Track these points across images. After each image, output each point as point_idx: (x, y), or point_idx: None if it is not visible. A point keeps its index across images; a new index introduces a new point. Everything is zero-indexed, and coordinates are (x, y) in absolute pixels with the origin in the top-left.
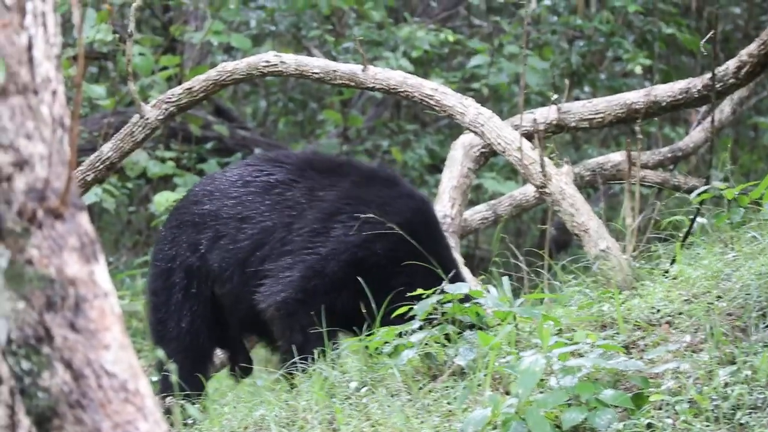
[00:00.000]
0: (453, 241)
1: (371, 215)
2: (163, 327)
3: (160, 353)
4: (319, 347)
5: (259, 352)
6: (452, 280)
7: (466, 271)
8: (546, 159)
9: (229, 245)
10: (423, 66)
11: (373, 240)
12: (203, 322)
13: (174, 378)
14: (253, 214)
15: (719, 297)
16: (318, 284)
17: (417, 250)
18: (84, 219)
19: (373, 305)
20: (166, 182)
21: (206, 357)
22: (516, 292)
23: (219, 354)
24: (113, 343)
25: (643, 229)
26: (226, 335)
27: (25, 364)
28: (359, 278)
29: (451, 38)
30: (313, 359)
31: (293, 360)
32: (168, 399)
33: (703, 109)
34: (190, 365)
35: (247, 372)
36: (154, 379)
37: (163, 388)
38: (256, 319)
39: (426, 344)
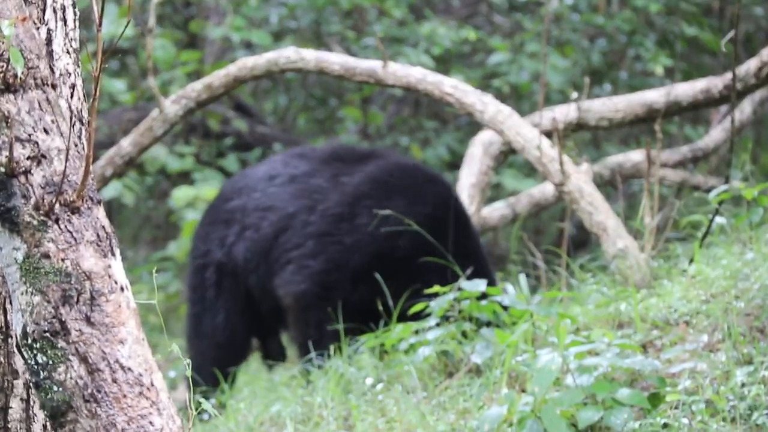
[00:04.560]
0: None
1: (397, 205)
2: (199, 322)
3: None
4: (333, 343)
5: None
6: (477, 274)
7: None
8: (565, 157)
9: (253, 235)
10: (444, 63)
11: (397, 233)
12: (237, 316)
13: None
14: (276, 203)
15: (737, 297)
16: (339, 277)
17: (442, 242)
18: (101, 213)
19: (390, 302)
20: (185, 177)
21: (242, 350)
22: (533, 290)
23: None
24: (129, 337)
25: (662, 229)
26: (261, 325)
27: (41, 358)
28: (378, 273)
29: (472, 36)
30: (328, 355)
31: (309, 356)
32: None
33: (724, 108)
34: (225, 359)
35: (279, 361)
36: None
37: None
38: (282, 310)
39: (442, 341)
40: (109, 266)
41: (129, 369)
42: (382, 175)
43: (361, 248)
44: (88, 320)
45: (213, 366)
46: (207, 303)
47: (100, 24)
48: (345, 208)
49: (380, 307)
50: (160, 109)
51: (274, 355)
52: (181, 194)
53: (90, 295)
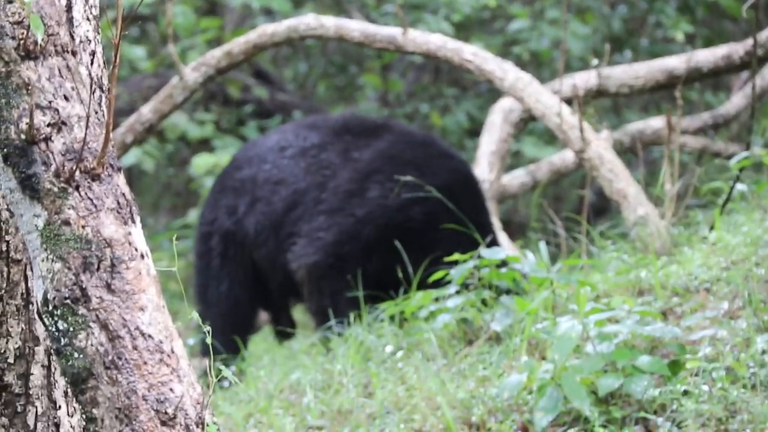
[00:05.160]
0: (492, 206)
1: (408, 177)
2: (204, 290)
3: (196, 315)
4: (349, 311)
5: (297, 316)
6: (489, 245)
7: (503, 236)
8: (585, 124)
9: (264, 209)
10: (464, 30)
11: (410, 204)
12: (242, 286)
13: (209, 340)
14: (288, 177)
15: (758, 264)
16: (351, 249)
17: (455, 213)
18: (121, 180)
19: (410, 269)
20: (205, 145)
21: (246, 320)
22: (554, 258)
23: (262, 316)
24: (149, 304)
25: (683, 196)
26: (268, 298)
27: (62, 325)
28: (395, 242)
29: (492, 2)
30: (347, 323)
31: (328, 324)
32: (206, 361)
33: (745, 75)
34: (230, 329)
35: (288, 334)
36: (191, 341)
37: (203, 350)
38: (293, 281)
39: (462, 309)
40: (130, 233)
41: (149, 336)
42: (393, 151)
43: (373, 220)
44: (108, 287)
45: (219, 334)
46: (212, 271)
47: None
48: (355, 184)
49: (400, 275)
50: (180, 76)
51: (283, 328)
52: (201, 162)
53: (110, 263)
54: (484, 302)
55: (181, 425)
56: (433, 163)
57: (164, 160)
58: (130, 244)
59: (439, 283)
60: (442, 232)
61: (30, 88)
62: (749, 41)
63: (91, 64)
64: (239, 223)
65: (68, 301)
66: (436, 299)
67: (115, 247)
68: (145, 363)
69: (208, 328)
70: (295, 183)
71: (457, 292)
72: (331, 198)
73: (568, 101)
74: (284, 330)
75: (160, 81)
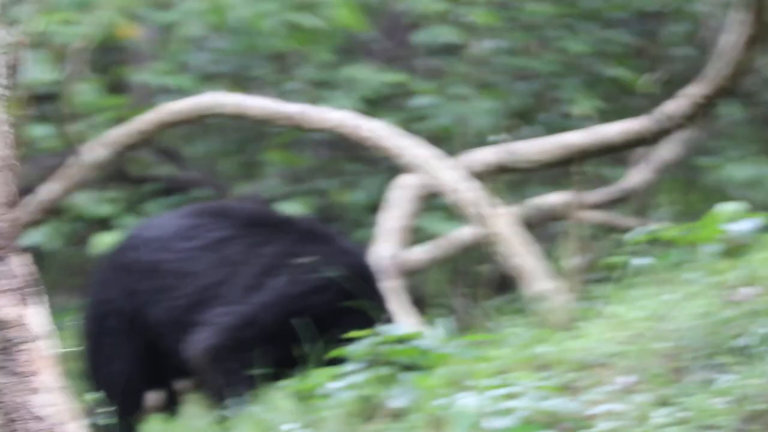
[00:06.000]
0: (393, 282)
1: (309, 270)
2: (96, 370)
3: (93, 397)
4: (247, 390)
5: (193, 395)
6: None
7: (403, 312)
8: (488, 199)
9: (168, 302)
10: (368, 106)
11: (309, 293)
12: (136, 366)
13: (104, 422)
14: (194, 271)
15: (655, 338)
16: (249, 334)
17: (355, 303)
18: (19, 261)
19: (308, 348)
20: (106, 223)
21: (139, 400)
22: (454, 333)
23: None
24: (42, 387)
25: (583, 270)
26: (158, 378)
27: None
28: (295, 328)
29: (396, 79)
30: (245, 401)
31: (225, 403)
32: None
33: (646, 149)
34: (123, 409)
35: (176, 414)
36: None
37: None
38: (190, 369)
39: (362, 386)
40: (26, 315)
41: (43, 419)
42: (295, 247)
43: (272, 308)
44: (2, 369)
45: (113, 415)
46: (105, 351)
47: (25, 69)
48: (256, 279)
49: (298, 353)
50: (81, 154)
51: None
52: (101, 240)
53: (4, 345)
54: (383, 379)
55: None
56: (333, 257)
57: (66, 240)
58: (25, 325)
59: (338, 361)
60: (341, 319)
61: None
62: (650, 116)
63: None
64: (139, 310)
65: None
66: (335, 376)
67: (10, 328)
68: None
69: (103, 409)
70: (200, 278)
71: (356, 369)
72: (233, 291)
73: (471, 176)
74: (173, 408)
75: (62, 160)
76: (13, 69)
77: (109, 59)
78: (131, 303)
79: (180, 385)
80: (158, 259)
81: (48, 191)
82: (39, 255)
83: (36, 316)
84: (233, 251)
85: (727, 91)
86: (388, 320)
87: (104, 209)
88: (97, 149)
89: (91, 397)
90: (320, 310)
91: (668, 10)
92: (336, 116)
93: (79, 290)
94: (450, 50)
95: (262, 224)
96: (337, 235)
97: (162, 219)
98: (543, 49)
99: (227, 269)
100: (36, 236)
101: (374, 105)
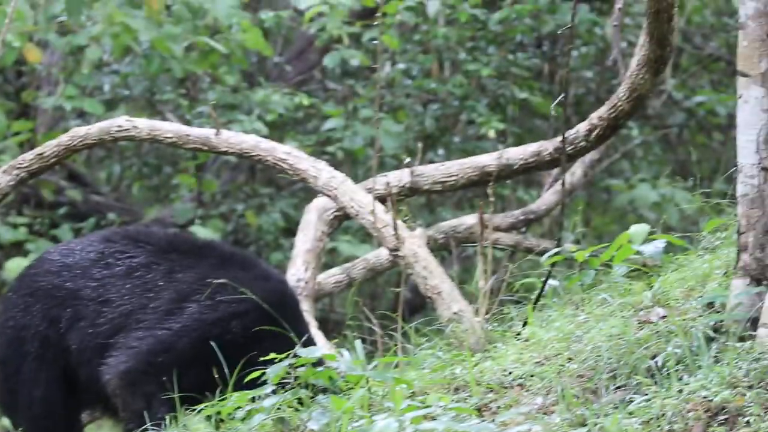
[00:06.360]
0: (307, 305)
1: (227, 295)
2: (14, 397)
3: (7, 422)
4: (165, 414)
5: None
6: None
7: (319, 335)
8: (399, 222)
9: (89, 329)
10: (278, 129)
11: (228, 318)
12: (56, 391)
13: None
14: (114, 298)
15: (570, 359)
16: (165, 359)
17: (274, 328)
18: None
19: (227, 375)
20: (18, 249)
21: (58, 425)
22: (369, 355)
23: None
24: None
25: (496, 292)
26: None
27: None
28: (212, 353)
29: (305, 102)
30: (160, 425)
31: (144, 426)
32: None
33: (555, 171)
34: None
35: None
36: None
37: None
38: (107, 397)
39: (279, 408)
40: None
41: None
42: (213, 272)
43: (189, 333)
44: None
45: None
46: (24, 376)
47: None
48: (175, 304)
49: (216, 376)
50: None
51: None
52: (14, 265)
53: None
54: (300, 401)
55: None
56: (251, 283)
57: None
58: None
59: (256, 383)
60: (260, 344)
61: None
62: (558, 138)
63: None
64: (61, 336)
65: None
66: (253, 399)
67: None
68: None
69: None
70: (120, 305)
71: (274, 392)
72: (151, 316)
73: (382, 199)
74: None
75: None
76: None
77: (14, 84)
78: (50, 329)
79: (89, 415)
80: (79, 286)
81: None
82: None
83: None
84: (152, 277)
85: (629, 114)
86: (307, 343)
87: (17, 234)
88: (7, 173)
89: (3, 423)
90: (238, 334)
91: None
92: (251, 139)
93: None
94: (359, 74)
95: (180, 249)
96: (255, 260)
97: (79, 244)
98: (451, 72)
99: (147, 295)
100: None
101: (280, 128)
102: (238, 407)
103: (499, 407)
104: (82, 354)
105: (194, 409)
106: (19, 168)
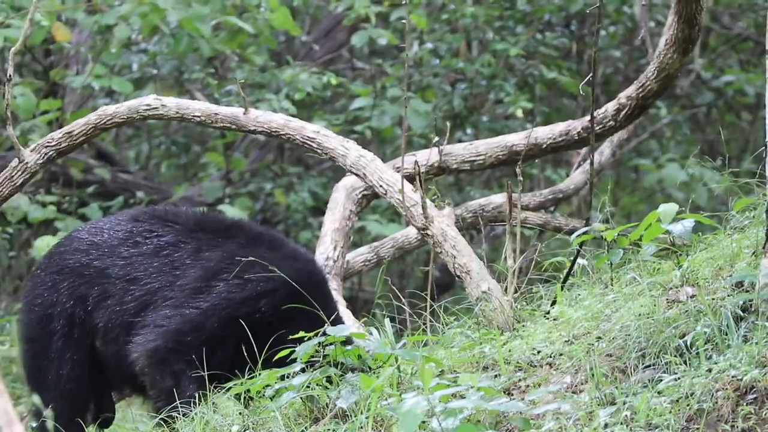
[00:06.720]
0: (336, 284)
1: (255, 274)
2: (42, 374)
3: (37, 400)
4: (193, 392)
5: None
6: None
7: (348, 314)
8: (428, 201)
9: (116, 306)
10: (306, 109)
11: (257, 297)
12: (83, 369)
13: (51, 424)
14: (141, 276)
15: (599, 338)
16: (194, 338)
17: (303, 308)
18: None
19: (257, 354)
20: (47, 227)
21: (86, 403)
22: (398, 334)
23: None
24: None
25: (525, 271)
26: (99, 384)
27: None
28: (241, 332)
29: (333, 81)
30: (189, 403)
31: (173, 404)
32: None
33: (584, 150)
34: (69, 412)
35: (108, 423)
36: (33, 425)
37: None
38: (135, 376)
39: (308, 387)
40: None
41: None
42: (241, 252)
43: (218, 312)
44: None
45: (59, 418)
46: (52, 354)
47: None
48: (202, 282)
49: (245, 355)
50: (19, 158)
51: (104, 419)
52: (43, 244)
53: None
54: (329, 380)
55: None
56: (280, 262)
57: (6, 243)
58: None
59: (285, 362)
60: (289, 323)
61: None
62: (587, 117)
63: None
64: (88, 314)
65: None
66: (282, 377)
67: None
68: None
69: (49, 412)
70: (148, 283)
71: (303, 370)
72: (178, 294)
73: (411, 178)
74: (106, 417)
75: (0, 163)
76: None
77: (42, 63)
78: (77, 306)
79: (119, 394)
80: (107, 264)
81: None
82: None
83: None
84: (179, 255)
85: (657, 93)
86: (336, 322)
87: (46, 212)
88: (36, 152)
89: (33, 401)
90: (267, 313)
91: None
92: (280, 118)
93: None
94: (387, 53)
95: (208, 229)
96: (283, 239)
97: (107, 223)
98: (479, 51)
99: (174, 273)
100: None
101: (308, 108)
102: (267, 385)
103: (527, 386)
104: (109, 332)
105: (223, 388)
106: (47, 147)
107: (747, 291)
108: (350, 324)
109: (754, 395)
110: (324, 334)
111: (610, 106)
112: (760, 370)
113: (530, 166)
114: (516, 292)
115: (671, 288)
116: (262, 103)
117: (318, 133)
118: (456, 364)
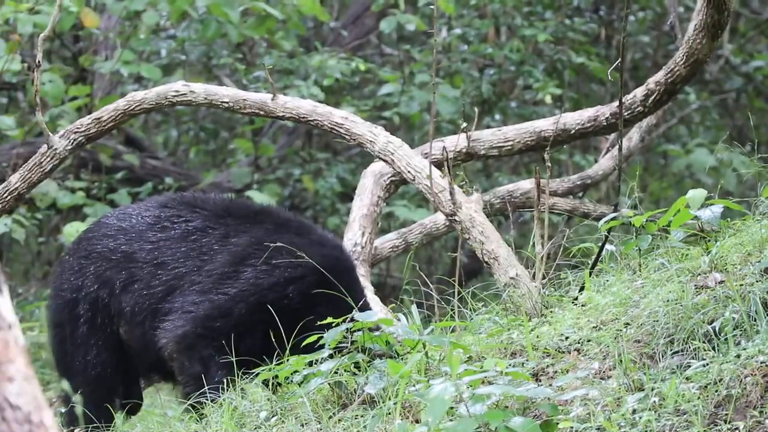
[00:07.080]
0: (364, 270)
1: (283, 260)
2: (70, 359)
3: (66, 385)
4: (222, 377)
5: (165, 386)
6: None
7: (375, 300)
8: (456, 187)
9: (143, 290)
10: (334, 94)
11: (284, 283)
12: (109, 354)
13: (80, 410)
14: (168, 260)
15: (627, 324)
16: (222, 324)
17: (331, 293)
18: None
19: (285, 340)
20: (76, 212)
21: (113, 389)
22: (426, 320)
23: None
24: (17, 375)
25: (553, 257)
26: (126, 370)
27: None
28: (269, 317)
29: (362, 67)
30: (218, 389)
31: (202, 390)
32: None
33: (612, 136)
34: (97, 397)
35: (136, 409)
36: (62, 410)
37: (70, 420)
38: (163, 362)
39: (336, 373)
40: None
41: (18, 407)
42: (269, 237)
43: (246, 298)
44: None
45: (87, 403)
46: (78, 340)
47: None
48: (230, 267)
49: (273, 340)
50: (49, 144)
51: (132, 405)
52: (72, 230)
53: None
54: (357, 366)
55: None
56: (308, 248)
57: (35, 229)
58: None
59: (313, 348)
60: (317, 309)
61: None
62: (615, 103)
63: None
64: (114, 298)
65: None
66: (310, 363)
67: None
68: None
69: (77, 397)
70: (175, 267)
71: (331, 356)
72: (206, 279)
73: (439, 164)
74: (133, 403)
75: (29, 149)
76: None
77: (71, 49)
78: (102, 290)
79: (147, 381)
80: (134, 249)
81: (17, 180)
82: (9, 244)
83: (6, 305)
84: (207, 241)
85: (686, 79)
86: (364, 308)
87: (74, 198)
88: (65, 138)
89: (62, 386)
90: (295, 299)
91: None
92: (308, 104)
93: (50, 279)
94: (415, 38)
95: (236, 215)
96: (311, 225)
97: (136, 208)
98: (507, 37)
99: (202, 258)
100: (6, 226)
101: (337, 93)
102: (295, 371)
103: (555, 372)
104: (135, 315)
105: (251, 373)
106: (76, 132)
107: None
108: (378, 310)
109: None
110: (352, 320)
111: (639, 92)
112: None
113: (558, 151)
114: (544, 278)
115: (699, 274)
116: (290, 89)
117: (346, 119)
118: (484, 350)
